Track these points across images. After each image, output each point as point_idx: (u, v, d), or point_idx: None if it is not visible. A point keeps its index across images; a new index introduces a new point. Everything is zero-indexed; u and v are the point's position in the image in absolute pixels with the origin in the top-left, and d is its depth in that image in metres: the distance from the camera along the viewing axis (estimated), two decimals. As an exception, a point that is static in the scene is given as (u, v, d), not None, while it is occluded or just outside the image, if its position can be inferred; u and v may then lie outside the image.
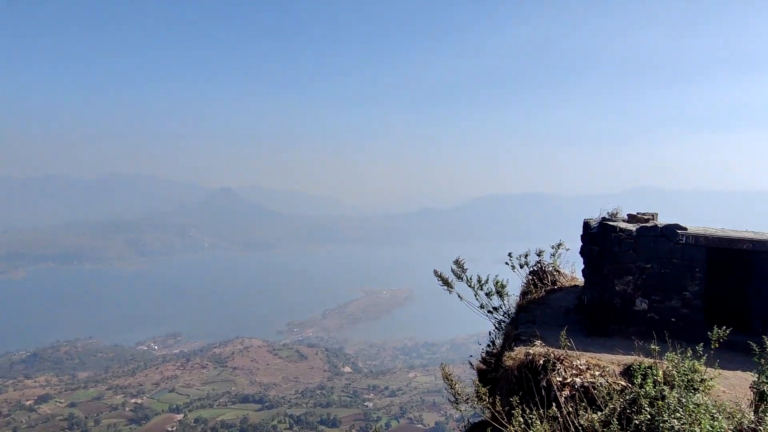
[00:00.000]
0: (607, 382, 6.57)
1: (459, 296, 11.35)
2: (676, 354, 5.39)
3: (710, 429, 3.59)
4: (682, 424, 3.73)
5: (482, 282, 11.08)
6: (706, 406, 4.07)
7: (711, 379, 5.44)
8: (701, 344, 6.29)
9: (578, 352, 7.86)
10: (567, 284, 12.30)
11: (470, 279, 11.27)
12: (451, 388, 6.11)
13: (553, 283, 12.35)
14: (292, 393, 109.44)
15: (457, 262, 11.68)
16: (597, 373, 7.03)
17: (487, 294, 10.97)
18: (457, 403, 6.39)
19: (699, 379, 5.22)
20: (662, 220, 9.90)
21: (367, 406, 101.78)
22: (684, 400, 4.12)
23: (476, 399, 6.17)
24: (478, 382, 6.47)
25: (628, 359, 7.18)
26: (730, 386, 7.00)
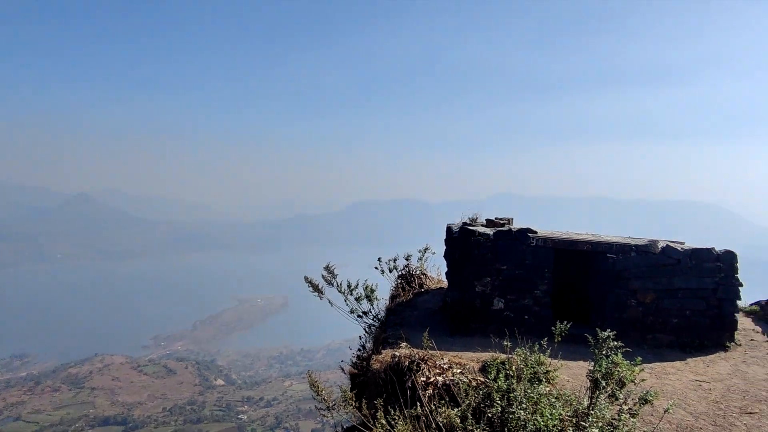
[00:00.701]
0: (467, 378, 6.93)
1: (330, 302, 11.39)
2: (524, 349, 5.80)
3: (549, 417, 3.91)
4: (528, 414, 4.02)
5: (352, 287, 11.21)
6: (548, 396, 4.43)
7: (555, 370, 5.94)
8: (548, 339, 6.89)
9: (442, 352, 8.21)
10: (434, 287, 12.81)
11: (340, 284, 11.36)
12: (318, 395, 6.09)
13: (420, 285, 12.81)
14: (159, 411, 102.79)
15: (327, 268, 11.72)
16: (458, 371, 7.38)
17: (356, 299, 11.11)
18: (326, 410, 6.37)
19: (544, 371, 5.67)
20: (519, 225, 10.66)
21: (241, 419, 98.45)
22: (529, 391, 4.44)
23: (343, 404, 6.20)
24: (344, 387, 6.50)
25: (486, 356, 7.61)
26: (573, 376, 7.70)
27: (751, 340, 9.70)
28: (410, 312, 11.33)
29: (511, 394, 4.41)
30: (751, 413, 6.93)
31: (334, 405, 6.06)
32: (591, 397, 4.83)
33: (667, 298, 9.36)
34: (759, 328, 10.21)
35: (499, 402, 4.65)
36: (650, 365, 8.64)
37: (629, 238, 10.24)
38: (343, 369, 11.13)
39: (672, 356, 9.03)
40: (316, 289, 11.34)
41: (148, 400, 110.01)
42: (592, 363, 5.54)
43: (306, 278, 11.64)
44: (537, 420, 3.91)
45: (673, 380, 8.03)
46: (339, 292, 11.33)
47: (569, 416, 4.10)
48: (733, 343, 9.39)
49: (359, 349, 11.29)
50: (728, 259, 9.38)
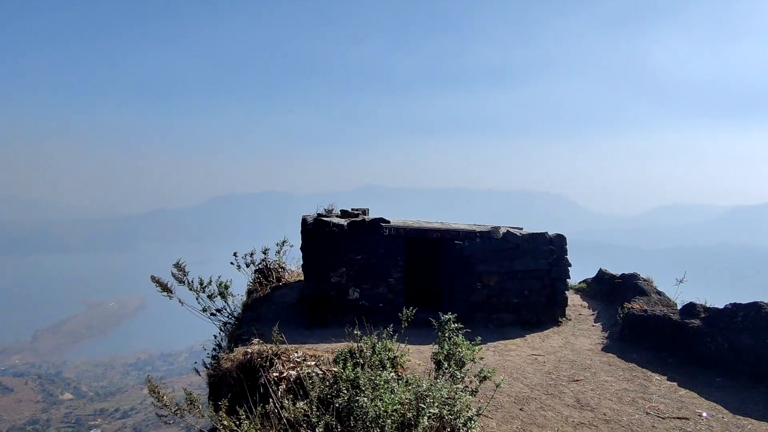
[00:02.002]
0: (321, 371, 6.88)
1: (180, 301, 10.74)
2: (371, 337, 5.87)
3: (388, 402, 3.97)
4: (370, 400, 4.05)
5: (204, 284, 10.68)
6: (391, 381, 4.51)
7: (403, 355, 6.08)
8: (400, 325, 7.07)
9: (296, 346, 8.09)
10: (292, 280, 12.61)
11: (191, 282, 10.77)
12: (159, 401, 5.69)
13: (278, 279, 12.55)
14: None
15: (177, 266, 11.04)
16: (312, 363, 7.32)
17: (209, 296, 10.60)
18: (169, 417, 5.98)
19: (392, 357, 5.78)
20: (381, 216, 10.83)
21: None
22: (373, 378, 4.49)
23: (188, 408, 5.85)
24: (188, 390, 6.13)
25: (341, 346, 7.62)
26: (425, 359, 7.97)
27: (579, 314, 10.76)
28: (267, 307, 11.06)
29: (358, 382, 4.42)
30: (577, 380, 7.67)
31: (177, 411, 5.69)
32: (433, 379, 5.00)
33: (509, 280, 10.06)
34: (586, 303, 11.36)
35: (345, 391, 4.63)
36: (494, 343, 9.24)
37: (475, 225, 10.84)
38: (198, 371, 10.59)
39: (513, 333, 9.73)
40: (164, 288, 10.62)
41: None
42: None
43: (153, 277, 10.86)
44: (377, 405, 3.95)
45: (513, 356, 8.65)
46: (190, 290, 10.75)
47: (409, 399, 4.20)
48: (564, 318, 10.34)
49: (214, 349, 10.82)
50: (559, 242, 10.30)
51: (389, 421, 3.85)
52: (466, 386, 5.03)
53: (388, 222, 9.83)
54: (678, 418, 6.54)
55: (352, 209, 11.28)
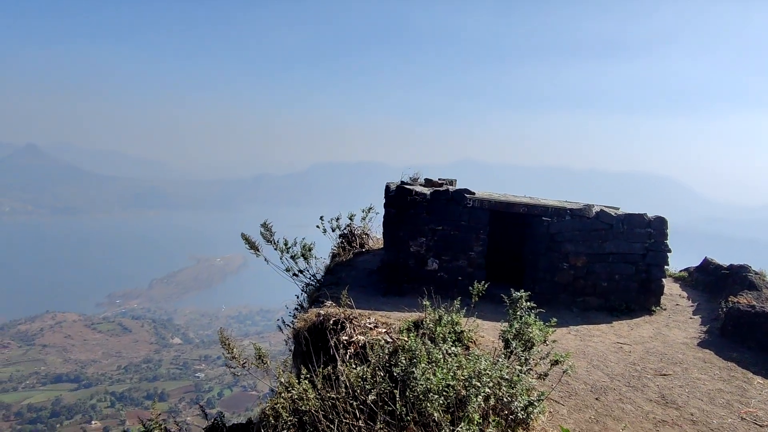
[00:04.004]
0: (391, 338, 6.83)
1: (265, 259, 11.13)
2: (440, 310, 5.70)
3: (440, 377, 3.80)
4: (421, 373, 3.91)
5: (288, 245, 10.96)
6: (449, 355, 4.33)
7: (471, 330, 5.86)
8: (479, 299, 6.84)
9: (370, 312, 8.10)
10: (376, 247, 12.66)
11: (277, 242, 11.09)
12: (229, 353, 5.89)
13: (362, 245, 12.64)
14: (113, 369, 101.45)
15: (264, 225, 11.40)
16: (383, 330, 7.29)
17: (292, 257, 10.87)
18: (238, 369, 6.20)
19: (458, 331, 5.58)
20: (478, 191, 10.55)
21: (198, 377, 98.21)
22: (432, 350, 4.33)
23: (257, 363, 6.02)
24: (257, 345, 6.30)
25: (413, 316, 7.54)
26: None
27: (677, 305, 9.93)
28: (348, 272, 11.18)
29: (413, 353, 4.28)
30: (665, 375, 7.08)
31: (244, 363, 5.88)
32: (507, 357, 4.76)
33: (598, 262, 9.44)
34: (685, 294, 10.46)
35: (403, 362, 4.52)
36: (577, 327, 8.75)
37: (566, 202, 10.24)
38: (280, 328, 10.97)
39: (599, 319, 9.16)
40: (252, 246, 11.04)
41: (103, 358, 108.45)
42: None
43: (243, 235, 11.31)
44: (429, 379, 3.79)
45: (596, 342, 8.14)
46: (275, 249, 11.08)
47: (465, 376, 4.01)
48: (658, 308, 9.58)
49: (296, 308, 11.13)
50: (659, 225, 9.49)
51: (436, 396, 3.68)
52: (531, 368, 4.74)
53: (473, 193, 9.50)
54: (779, 427, 5.86)
55: (438, 179, 11.04)
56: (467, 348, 6.10)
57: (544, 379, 5.32)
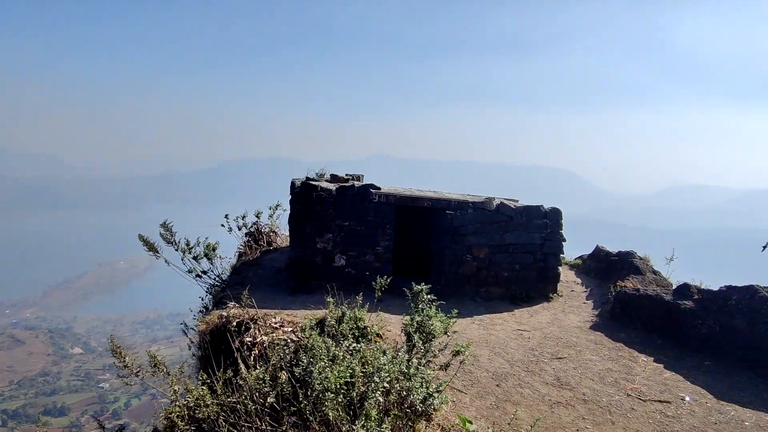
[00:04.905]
0: (297, 337, 6.71)
1: (166, 261, 10.63)
2: (342, 306, 5.66)
3: (336, 375, 3.76)
4: (318, 372, 3.84)
5: (191, 246, 10.53)
6: (344, 353, 4.29)
7: (373, 326, 5.86)
8: (385, 294, 6.86)
9: (276, 311, 7.93)
10: (283, 245, 12.43)
11: (178, 242, 10.62)
12: (121, 361, 5.52)
13: (269, 244, 12.37)
14: (5, 385, 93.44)
15: (164, 225, 10.87)
16: (289, 329, 7.16)
17: (195, 258, 10.46)
18: (129, 377, 5.83)
19: (362, 327, 5.57)
20: (391, 186, 10.58)
21: (102, 387, 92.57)
22: (331, 347, 4.28)
23: (152, 370, 5.69)
24: (152, 352, 5.98)
25: (321, 314, 7.45)
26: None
27: (572, 291, 10.50)
28: (255, 270, 10.91)
29: (313, 351, 4.20)
30: (560, 358, 7.45)
31: (137, 371, 5.54)
32: (397, 351, 4.79)
33: (500, 253, 9.79)
34: (579, 280, 11.09)
35: (304, 360, 4.43)
36: (481, 317, 9.03)
37: (468, 195, 10.53)
38: (185, 332, 10.52)
39: (501, 308, 9.51)
40: (150, 248, 10.50)
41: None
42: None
43: (140, 236, 10.72)
44: (327, 378, 3.74)
45: (498, 330, 8.44)
46: (176, 251, 10.61)
47: (364, 372, 3.99)
48: (555, 294, 10.09)
49: (200, 311, 10.72)
50: (554, 216, 9.98)
51: (332, 395, 3.63)
52: (429, 361, 4.81)
53: (379, 188, 9.54)
54: (659, 401, 6.33)
55: (345, 174, 11.00)
56: (373, 343, 6.11)
57: (446, 370, 5.41)
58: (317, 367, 3.83)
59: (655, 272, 10.15)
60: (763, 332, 7.16)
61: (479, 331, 8.35)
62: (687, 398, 6.41)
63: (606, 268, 10.87)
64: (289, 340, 6.60)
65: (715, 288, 8.23)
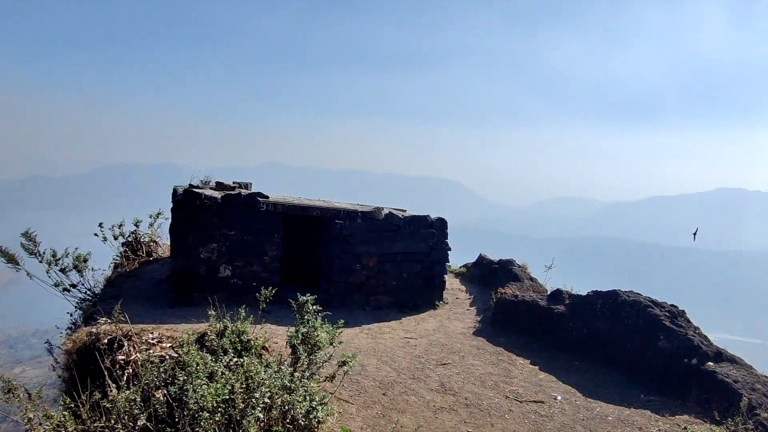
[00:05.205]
0: (176, 353, 6.34)
1: (28, 274, 9.67)
2: (225, 320, 5.44)
3: (213, 393, 3.58)
4: (193, 391, 3.64)
5: (57, 257, 9.66)
6: (223, 370, 4.11)
7: (259, 338, 5.68)
8: (273, 305, 6.67)
9: (155, 325, 7.46)
10: (165, 255, 11.78)
11: (43, 254, 9.70)
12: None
13: (149, 254, 11.66)
14: None
15: (26, 235, 9.89)
16: (168, 345, 6.75)
17: (62, 270, 9.60)
18: None
19: (245, 340, 5.37)
20: (283, 194, 10.30)
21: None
22: (211, 364, 4.07)
23: (5, 396, 5.11)
24: (5, 377, 5.38)
25: (203, 327, 7.11)
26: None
27: (457, 298, 10.88)
28: (133, 283, 10.21)
29: (189, 369, 3.97)
30: (445, 364, 7.66)
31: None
32: (280, 364, 4.66)
33: (389, 262, 9.92)
34: (464, 287, 11.52)
35: (180, 379, 4.18)
36: (369, 326, 9.08)
37: (358, 204, 10.59)
38: (50, 352, 9.60)
39: (390, 316, 9.62)
40: (10, 259, 9.52)
41: None
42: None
43: (-2, 247, 9.70)
44: (203, 396, 3.54)
45: (386, 339, 8.52)
46: (40, 262, 9.68)
47: (243, 388, 3.83)
48: (441, 302, 10.39)
49: (69, 328, 9.84)
50: (440, 225, 10.30)
51: (207, 414, 3.45)
52: (313, 373, 4.74)
53: (267, 197, 9.32)
54: (534, 401, 6.69)
55: (233, 182, 10.64)
56: (259, 357, 5.92)
57: (332, 381, 5.36)
58: (193, 385, 3.61)
59: (532, 279, 10.78)
60: (624, 333, 7.82)
61: (367, 340, 8.39)
62: (559, 397, 6.83)
63: (488, 276, 11.37)
64: (167, 357, 6.22)
65: (584, 293, 8.88)
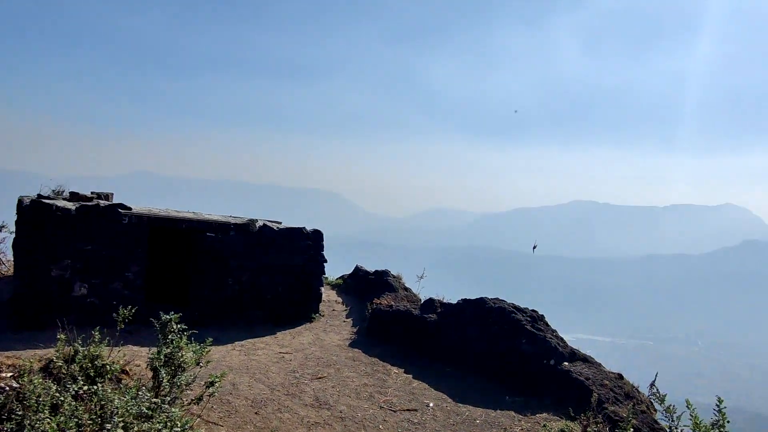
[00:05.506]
0: (18, 384, 5.66)
1: None
2: (78, 342, 4.96)
3: (55, 427, 3.22)
4: (35, 423, 3.25)
5: None
6: (68, 399, 3.74)
7: (115, 363, 5.24)
8: (135, 325, 6.18)
9: (-7, 353, 6.64)
10: (9, 273, 10.58)
11: None
12: None
13: (-10, 272, 10.42)
14: None
15: None
16: (9, 375, 6.01)
17: None
18: None
19: (100, 365, 4.93)
20: (153, 205, 9.59)
21: None
22: (55, 393, 3.67)
23: None
24: None
25: (52, 353, 6.43)
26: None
27: (333, 310, 10.85)
28: (-32, 306, 9.02)
29: (28, 401, 3.54)
30: (320, 378, 7.57)
31: None
32: (138, 389, 4.32)
33: (263, 276, 9.66)
34: (341, 299, 11.52)
35: (19, 413, 3.72)
36: (242, 342, 8.75)
37: (231, 217, 10.23)
38: None
39: (265, 331, 9.35)
40: None
41: None
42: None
43: None
44: (43, 430, 3.17)
45: (260, 355, 8.26)
46: None
47: (92, 420, 3.49)
48: (318, 315, 10.30)
49: None
50: (316, 237, 10.23)
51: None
52: (176, 397, 4.45)
53: (129, 209, 8.70)
54: (408, 410, 6.81)
55: (90, 192, 9.80)
56: (118, 382, 5.46)
57: (198, 403, 5.07)
58: (31, 420, 3.22)
59: (406, 289, 11.04)
60: (491, 339, 8.23)
61: (240, 357, 8.08)
62: (431, 404, 7.02)
63: (364, 287, 11.48)
64: (7, 388, 5.55)
65: (455, 301, 9.24)
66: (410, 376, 8.01)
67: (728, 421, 3.81)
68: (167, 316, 4.98)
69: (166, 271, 10.35)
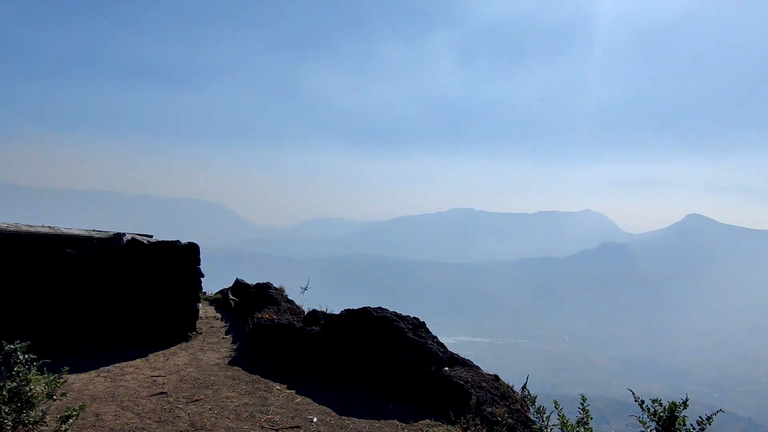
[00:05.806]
0: None
1: None
2: None
3: None
4: None
5: None
6: None
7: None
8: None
9: None
10: None
11: None
12: None
13: None
14: None
15: None
16: None
17: None
18: None
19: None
20: (3, 218, 8.41)
21: None
22: None
23: None
24: None
25: None
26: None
27: (211, 327, 10.33)
28: None
29: None
30: (197, 400, 7.12)
31: None
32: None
33: (132, 294, 8.97)
34: (220, 315, 11.02)
35: None
36: (108, 368, 8.04)
37: (94, 231, 9.40)
38: None
39: (134, 354, 8.66)
40: None
41: None
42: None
43: None
44: None
45: (129, 380, 7.62)
46: None
47: None
48: (194, 332, 9.75)
49: None
50: (192, 251, 9.69)
51: None
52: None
53: (-30, 224, 7.69)
54: (290, 427, 6.59)
55: None
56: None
57: (52, 442, 4.53)
58: None
59: (289, 301, 10.78)
60: (375, 349, 8.24)
61: (105, 384, 7.40)
62: (314, 419, 6.85)
63: (246, 301, 11.06)
64: None
65: (338, 312, 9.15)
66: (293, 391, 7.79)
67: (591, 418, 4.06)
68: (12, 346, 4.41)
69: (20, 294, 9.27)
